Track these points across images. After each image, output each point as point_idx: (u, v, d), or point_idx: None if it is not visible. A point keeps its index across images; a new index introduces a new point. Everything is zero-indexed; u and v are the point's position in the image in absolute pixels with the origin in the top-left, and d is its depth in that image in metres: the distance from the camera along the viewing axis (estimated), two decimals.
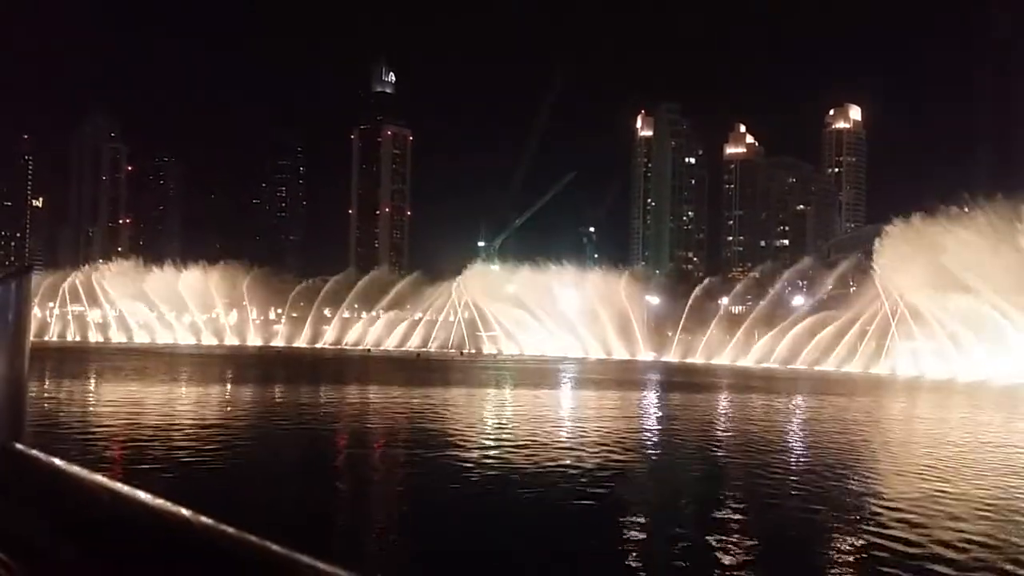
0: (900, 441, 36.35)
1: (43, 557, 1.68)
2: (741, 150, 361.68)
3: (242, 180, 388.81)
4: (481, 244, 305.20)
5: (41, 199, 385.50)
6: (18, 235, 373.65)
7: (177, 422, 32.35)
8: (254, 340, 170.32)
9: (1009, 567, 14.58)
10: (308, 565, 1.31)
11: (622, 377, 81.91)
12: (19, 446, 2.48)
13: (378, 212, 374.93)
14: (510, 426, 36.57)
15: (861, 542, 16.30)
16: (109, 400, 42.46)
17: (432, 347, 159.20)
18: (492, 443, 29.61)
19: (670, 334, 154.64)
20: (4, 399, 3.53)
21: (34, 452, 2.36)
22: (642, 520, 18.29)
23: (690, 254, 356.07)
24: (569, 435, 33.70)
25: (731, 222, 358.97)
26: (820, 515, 18.67)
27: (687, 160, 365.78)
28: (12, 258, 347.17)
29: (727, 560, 14.98)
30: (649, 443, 32.69)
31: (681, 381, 79.80)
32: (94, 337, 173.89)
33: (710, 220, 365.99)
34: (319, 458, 26.54)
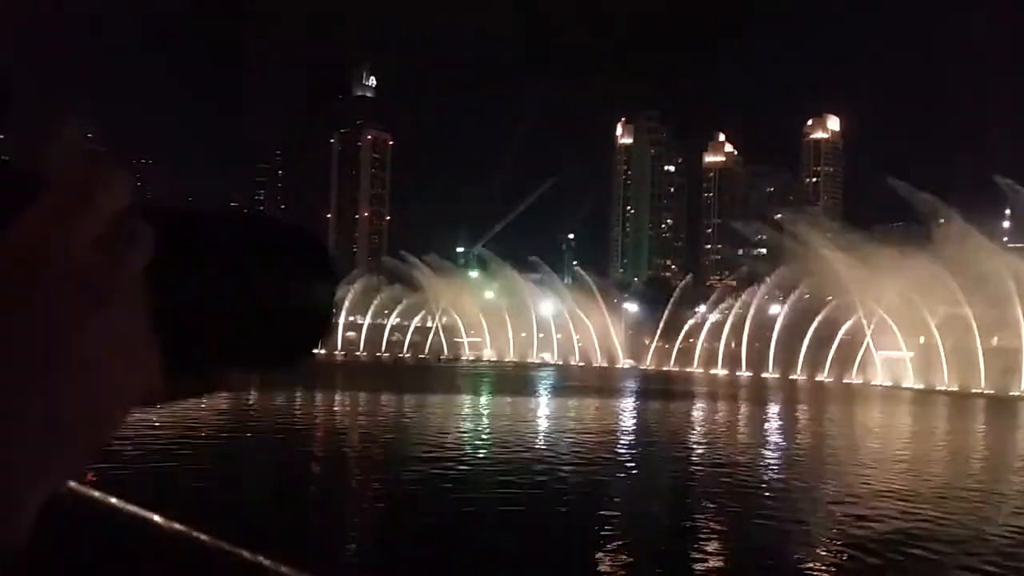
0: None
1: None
2: (720, 158, 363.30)
3: (220, 183, 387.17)
4: (460, 249, 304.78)
5: None
6: None
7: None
8: None
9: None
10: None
11: (600, 384, 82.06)
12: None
13: (357, 216, 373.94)
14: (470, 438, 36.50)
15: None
16: None
17: (407, 354, 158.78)
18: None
19: (647, 342, 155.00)
20: None
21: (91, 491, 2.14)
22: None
23: (669, 262, 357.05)
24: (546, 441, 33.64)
25: (709, 230, 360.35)
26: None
27: (666, 168, 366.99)
28: None
29: None
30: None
31: (652, 389, 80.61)
32: None
33: (689, 228, 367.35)
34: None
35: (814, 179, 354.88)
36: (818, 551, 17.59)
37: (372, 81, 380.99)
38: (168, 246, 0.76)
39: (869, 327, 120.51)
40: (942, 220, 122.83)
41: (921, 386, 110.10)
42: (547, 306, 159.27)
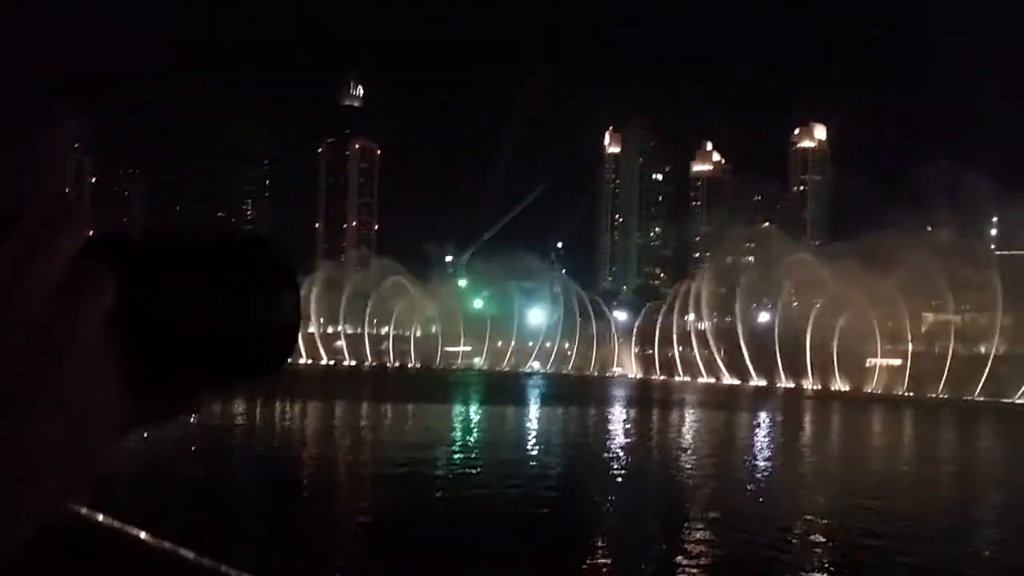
0: None
1: None
2: (708, 167, 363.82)
3: (208, 193, 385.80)
4: (449, 259, 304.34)
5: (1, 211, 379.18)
6: None
7: None
8: None
9: None
10: None
11: (586, 393, 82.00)
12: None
13: (345, 226, 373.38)
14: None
15: None
16: None
17: (397, 362, 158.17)
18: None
19: (636, 350, 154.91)
20: None
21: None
22: None
23: (657, 270, 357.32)
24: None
25: (698, 238, 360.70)
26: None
27: (654, 176, 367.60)
28: None
29: None
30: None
31: (632, 396, 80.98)
32: None
33: (677, 236, 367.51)
34: None
35: (802, 187, 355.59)
36: None
37: (360, 90, 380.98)
38: (129, 271, 0.77)
39: (834, 337, 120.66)
40: (929, 227, 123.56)
41: (912, 393, 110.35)
42: (537, 315, 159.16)
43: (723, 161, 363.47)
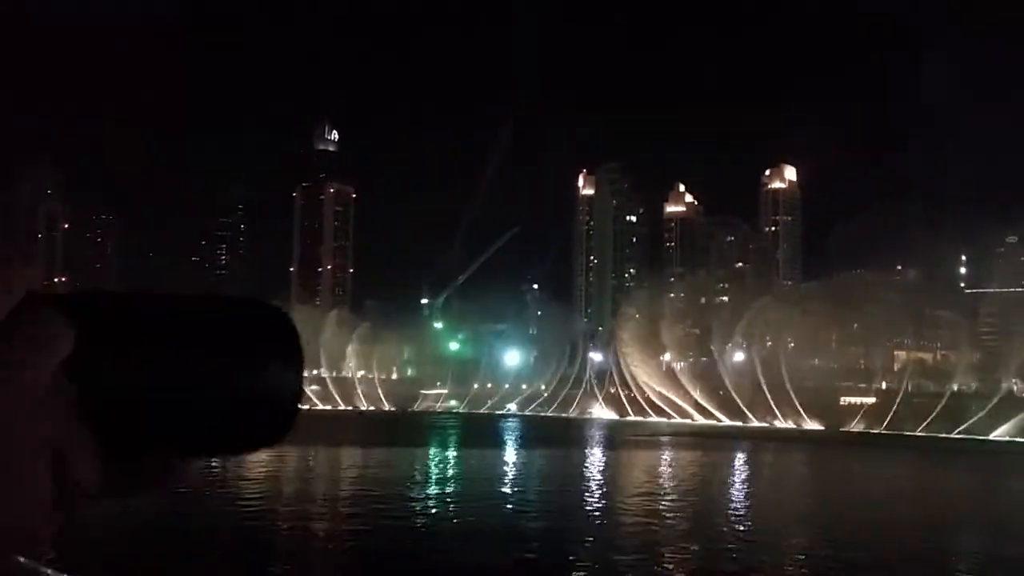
0: None
1: None
2: (681, 209, 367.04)
3: (182, 238, 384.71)
4: (424, 301, 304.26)
5: None
6: None
7: None
8: None
9: None
10: None
11: (563, 435, 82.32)
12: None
13: (320, 269, 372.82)
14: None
15: None
16: None
17: (372, 406, 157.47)
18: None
19: (612, 391, 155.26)
20: None
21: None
22: None
23: (633, 311, 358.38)
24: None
25: (672, 279, 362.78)
26: None
27: (628, 218, 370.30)
28: None
29: None
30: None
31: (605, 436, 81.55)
32: None
33: (651, 277, 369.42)
34: None
35: (773, 228, 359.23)
36: None
37: (334, 135, 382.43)
38: (104, 334, 0.73)
39: (807, 377, 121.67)
40: (899, 267, 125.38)
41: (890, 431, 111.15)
42: (513, 356, 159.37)
43: (696, 203, 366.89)
